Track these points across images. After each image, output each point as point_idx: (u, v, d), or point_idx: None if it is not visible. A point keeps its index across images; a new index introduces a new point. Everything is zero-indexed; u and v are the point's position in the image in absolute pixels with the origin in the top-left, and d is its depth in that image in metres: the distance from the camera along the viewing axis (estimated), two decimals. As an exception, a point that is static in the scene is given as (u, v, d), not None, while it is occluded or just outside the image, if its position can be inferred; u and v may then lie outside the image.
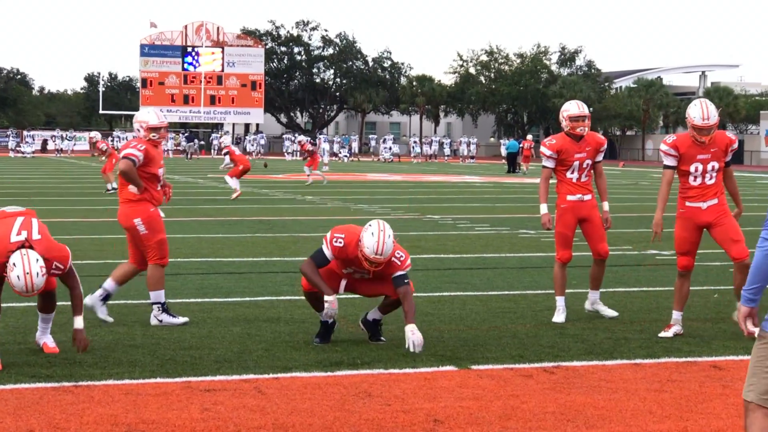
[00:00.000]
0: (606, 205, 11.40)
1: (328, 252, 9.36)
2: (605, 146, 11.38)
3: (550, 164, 11.27)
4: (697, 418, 7.35)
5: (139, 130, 10.87)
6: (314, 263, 9.40)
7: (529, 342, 9.97)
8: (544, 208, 11.24)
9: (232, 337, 9.98)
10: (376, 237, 9.12)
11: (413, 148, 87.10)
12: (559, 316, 11.17)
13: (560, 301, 11.27)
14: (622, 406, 7.63)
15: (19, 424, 6.90)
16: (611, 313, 11.35)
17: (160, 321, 10.67)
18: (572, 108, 11.23)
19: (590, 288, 11.48)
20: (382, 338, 9.92)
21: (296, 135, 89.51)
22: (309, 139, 56.73)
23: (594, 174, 11.36)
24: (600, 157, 11.34)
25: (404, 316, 9.31)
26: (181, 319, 10.72)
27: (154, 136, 10.86)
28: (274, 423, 7.05)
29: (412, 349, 9.09)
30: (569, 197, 11.23)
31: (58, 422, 6.96)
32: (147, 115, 10.94)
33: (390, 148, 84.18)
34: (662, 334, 10.42)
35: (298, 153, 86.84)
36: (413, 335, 9.13)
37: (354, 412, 7.36)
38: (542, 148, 11.31)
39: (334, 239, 9.32)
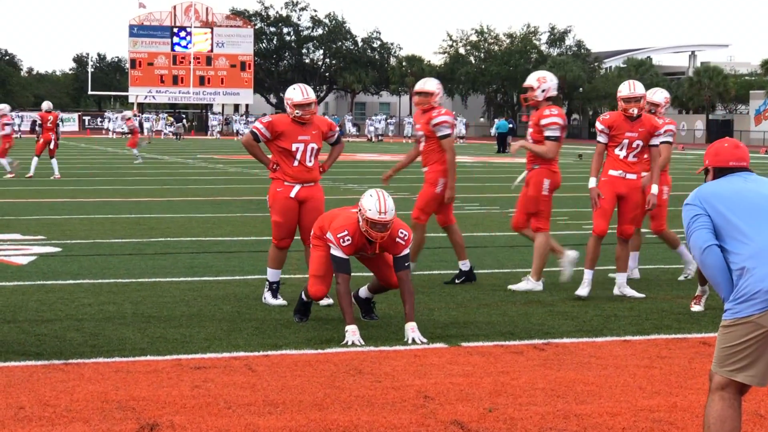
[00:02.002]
0: (654, 188, 11.33)
1: (342, 254, 9.10)
2: (661, 131, 11.41)
3: (602, 139, 11.38)
4: (686, 393, 7.38)
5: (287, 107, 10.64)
6: (345, 278, 9.08)
7: (519, 319, 9.99)
8: (592, 182, 11.30)
9: (222, 315, 9.98)
10: (375, 197, 8.97)
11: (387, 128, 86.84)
12: (583, 289, 11.20)
13: (588, 274, 11.26)
14: (612, 382, 7.65)
15: (10, 402, 6.89)
16: (638, 295, 11.37)
17: (264, 299, 10.69)
18: (624, 89, 11.31)
19: (616, 270, 11.48)
20: (375, 315, 9.91)
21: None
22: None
23: (650, 157, 11.40)
24: (655, 141, 11.34)
25: (405, 313, 9.11)
26: (279, 301, 10.58)
27: (297, 113, 10.50)
28: (264, 400, 7.06)
29: (411, 342, 8.98)
30: (611, 171, 11.33)
31: (48, 399, 6.96)
32: (293, 92, 10.57)
33: (382, 127, 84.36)
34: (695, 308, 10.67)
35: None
36: (414, 333, 8.98)
37: (344, 389, 7.37)
38: (596, 123, 11.50)
39: (341, 240, 9.06)
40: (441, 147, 11.94)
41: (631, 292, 11.36)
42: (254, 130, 10.56)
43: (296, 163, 10.56)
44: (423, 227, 12.17)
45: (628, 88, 11.29)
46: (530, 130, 11.85)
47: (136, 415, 6.66)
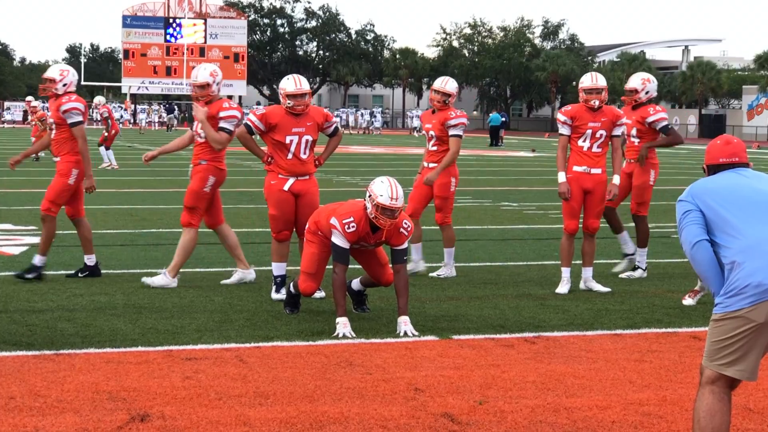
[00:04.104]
0: (616, 179, 11.42)
1: (345, 243, 9.04)
2: (623, 120, 11.43)
3: (565, 131, 11.36)
4: (676, 387, 7.40)
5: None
6: (343, 269, 9.04)
7: (510, 313, 10.00)
8: (561, 177, 11.29)
9: (213, 307, 9.98)
10: (386, 183, 8.87)
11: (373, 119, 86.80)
12: (562, 287, 11.22)
13: (565, 272, 11.31)
14: (602, 376, 7.67)
15: (0, 392, 6.89)
16: (604, 289, 11.36)
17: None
18: (586, 80, 11.34)
19: (582, 264, 11.50)
20: (367, 308, 9.91)
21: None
22: None
23: (611, 147, 11.41)
24: (617, 131, 11.38)
25: (398, 307, 9.11)
26: (279, 296, 10.41)
27: (290, 104, 10.35)
28: (255, 391, 7.06)
29: (403, 335, 8.99)
30: (576, 167, 11.30)
31: (39, 390, 6.96)
32: (286, 82, 10.42)
33: (373, 121, 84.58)
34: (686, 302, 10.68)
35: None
36: (406, 326, 9.00)
37: (335, 381, 7.37)
38: (558, 114, 11.49)
39: (346, 226, 8.99)
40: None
41: (597, 287, 11.37)
42: (248, 122, 10.47)
43: (290, 156, 10.45)
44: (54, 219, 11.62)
45: (590, 79, 11.30)
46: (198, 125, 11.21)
47: (127, 405, 6.66)
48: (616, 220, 12.45)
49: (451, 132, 11.96)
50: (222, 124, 10.96)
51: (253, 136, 10.60)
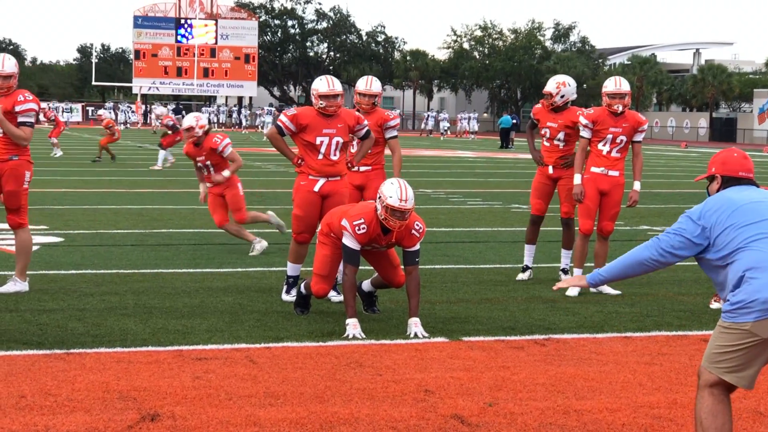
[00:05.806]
0: (637, 185, 11.49)
1: (355, 244, 9.02)
2: (645, 127, 11.43)
3: (586, 134, 11.37)
4: (686, 390, 7.39)
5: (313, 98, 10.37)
6: (353, 270, 9.03)
7: (520, 315, 9.99)
8: (578, 179, 11.34)
9: (224, 307, 9.99)
10: (396, 185, 8.85)
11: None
12: (573, 289, 11.19)
13: (577, 273, 11.30)
14: (612, 378, 7.66)
15: (11, 390, 6.91)
16: (614, 291, 11.34)
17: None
18: (610, 85, 11.36)
19: (594, 266, 11.50)
20: (377, 309, 9.92)
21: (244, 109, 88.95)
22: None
23: (632, 153, 11.44)
24: (639, 137, 11.41)
25: (409, 308, 9.09)
26: (290, 297, 10.38)
27: (321, 105, 10.21)
28: (265, 391, 7.07)
29: (413, 336, 8.99)
30: (593, 168, 11.34)
31: (49, 388, 6.98)
32: (319, 82, 10.27)
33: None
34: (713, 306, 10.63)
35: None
36: (416, 327, 8.99)
37: (345, 382, 7.38)
38: (580, 118, 11.45)
39: (357, 228, 8.98)
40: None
41: (607, 288, 11.34)
42: (279, 123, 10.33)
43: (320, 157, 10.32)
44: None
45: (614, 84, 11.31)
46: None
47: (137, 405, 6.67)
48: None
49: (391, 134, 11.31)
50: (21, 119, 10.59)
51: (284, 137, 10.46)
